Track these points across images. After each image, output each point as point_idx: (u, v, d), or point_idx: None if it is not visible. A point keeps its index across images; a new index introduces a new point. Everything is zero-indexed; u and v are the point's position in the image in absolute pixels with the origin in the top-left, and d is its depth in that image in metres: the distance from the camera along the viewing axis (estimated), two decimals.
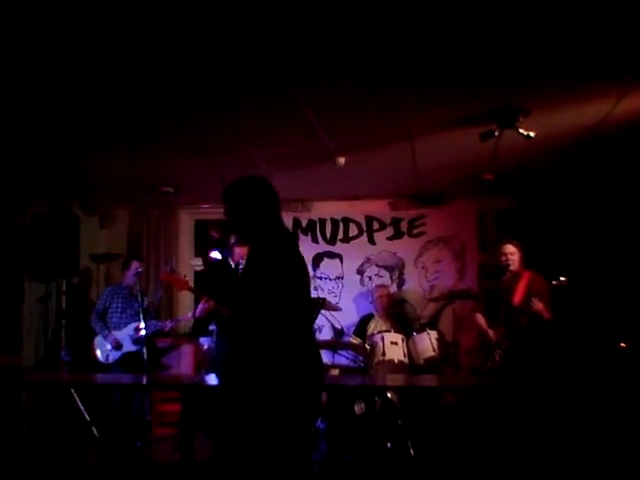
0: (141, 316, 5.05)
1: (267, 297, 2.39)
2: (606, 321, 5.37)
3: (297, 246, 2.69)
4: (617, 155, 4.99)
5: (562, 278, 4.48)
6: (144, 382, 4.21)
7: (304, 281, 2.60)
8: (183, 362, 6.05)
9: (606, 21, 2.92)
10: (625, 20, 2.90)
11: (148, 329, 5.25)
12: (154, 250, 6.75)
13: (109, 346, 5.42)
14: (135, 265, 5.59)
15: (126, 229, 6.94)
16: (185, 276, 4.83)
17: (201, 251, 6.81)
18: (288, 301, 2.42)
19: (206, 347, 5.53)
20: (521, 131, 4.10)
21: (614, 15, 2.86)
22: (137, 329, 5.28)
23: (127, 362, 5.35)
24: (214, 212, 6.75)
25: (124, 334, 5.44)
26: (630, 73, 3.51)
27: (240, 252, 5.03)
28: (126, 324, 5.47)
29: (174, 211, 6.87)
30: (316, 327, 6.18)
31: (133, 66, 3.40)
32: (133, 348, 5.38)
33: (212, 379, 3.81)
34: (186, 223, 7.03)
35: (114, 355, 5.42)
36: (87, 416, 4.62)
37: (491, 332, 4.69)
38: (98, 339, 5.50)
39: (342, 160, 5.03)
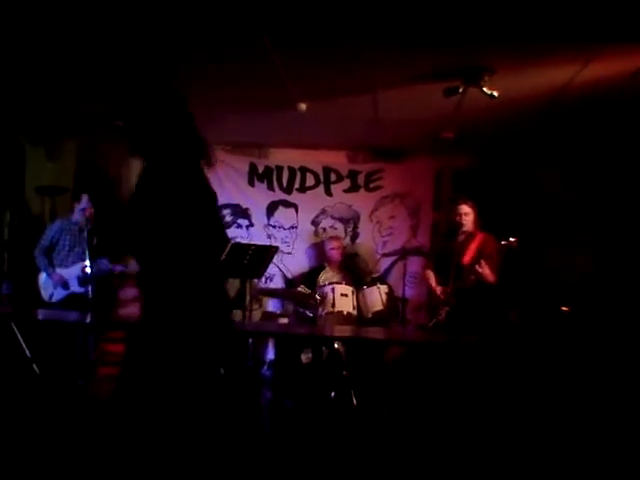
0: (87, 255, 4.88)
1: (153, 226, 2.22)
2: (550, 285, 5.53)
3: (200, 172, 2.48)
4: (577, 121, 5.05)
5: (512, 239, 4.53)
6: (87, 321, 4.11)
7: (203, 209, 2.38)
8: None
9: None
10: None
11: (98, 269, 5.11)
12: (103, 184, 6.50)
13: (53, 284, 5.23)
14: (86, 199, 5.33)
15: (74, 162, 6.65)
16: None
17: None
18: (176, 232, 2.23)
19: None
20: (485, 90, 4.08)
21: None
22: (84, 269, 5.09)
23: (72, 303, 5.11)
24: None
25: (71, 273, 5.21)
26: (596, 39, 3.51)
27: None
28: (73, 263, 5.22)
29: (124, 145, 6.59)
30: (267, 275, 6.18)
31: None
32: (80, 289, 5.17)
33: None
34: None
35: (58, 294, 5.22)
36: (28, 352, 4.52)
37: (439, 289, 4.77)
38: (42, 276, 5.25)
39: (303, 106, 4.92)
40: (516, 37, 3.56)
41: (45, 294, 5.24)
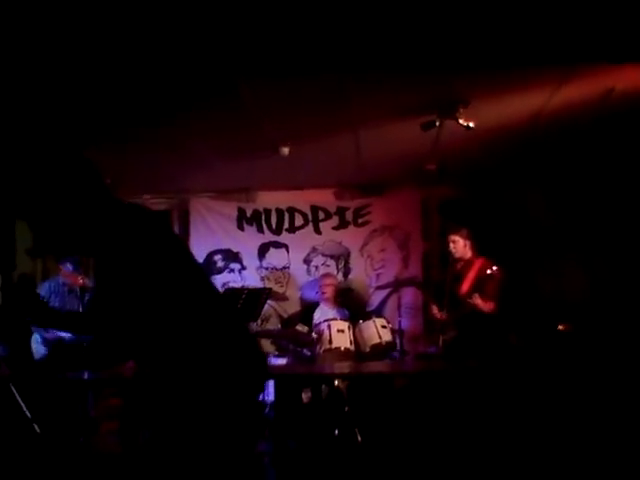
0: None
1: (156, 307, 1.84)
2: (545, 305, 5.56)
3: (160, 225, 2.02)
4: (555, 143, 5.15)
5: (494, 268, 4.60)
6: (85, 377, 4.10)
7: (189, 266, 2.00)
8: None
9: (539, 11, 3.01)
10: (558, 11, 2.99)
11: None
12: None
13: (45, 346, 5.12)
14: (68, 265, 5.30)
15: None
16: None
17: None
18: (183, 302, 1.88)
19: None
20: (461, 121, 4.18)
21: (547, 5, 2.95)
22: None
23: (60, 351, 5.04)
24: (156, 203, 6.63)
25: (63, 336, 5.05)
26: (566, 62, 3.60)
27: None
28: None
29: None
30: (263, 317, 6.18)
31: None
32: (70, 337, 5.00)
33: None
34: None
35: (46, 350, 5.13)
36: (28, 413, 4.48)
37: (442, 316, 4.79)
38: (35, 338, 5.19)
39: (286, 150, 5.03)
40: (487, 67, 3.66)
41: (37, 355, 5.21)
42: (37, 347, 5.22)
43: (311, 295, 6.35)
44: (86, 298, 5.09)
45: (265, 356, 2.16)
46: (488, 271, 4.58)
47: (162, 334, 1.88)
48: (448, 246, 4.89)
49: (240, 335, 2.07)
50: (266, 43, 3.31)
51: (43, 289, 5.33)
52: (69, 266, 5.15)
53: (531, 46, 3.39)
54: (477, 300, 4.56)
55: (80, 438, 4.60)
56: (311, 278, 6.57)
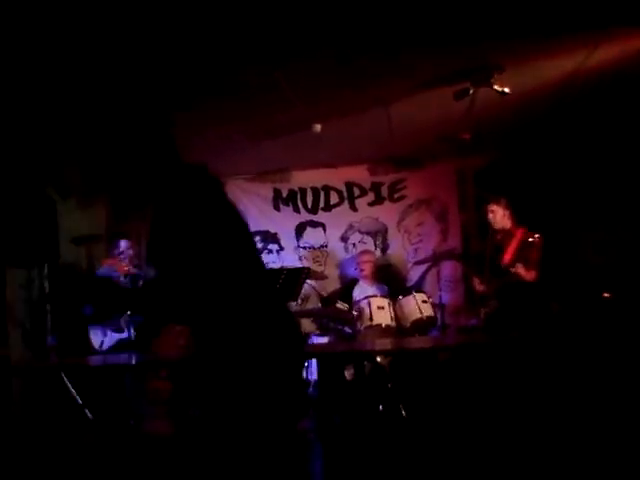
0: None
1: (200, 270, 1.85)
2: (589, 273, 5.44)
3: (223, 191, 2.07)
4: (591, 106, 5.00)
5: (536, 235, 4.52)
6: (133, 362, 4.20)
7: (243, 236, 2.03)
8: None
9: None
10: None
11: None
12: (135, 232, 6.67)
13: (104, 332, 5.25)
14: (124, 244, 5.39)
15: (106, 209, 6.83)
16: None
17: None
18: (230, 268, 1.89)
19: None
20: (496, 88, 4.09)
21: None
22: (132, 314, 5.15)
23: (122, 348, 5.14)
24: None
25: (120, 321, 5.24)
26: (599, 25, 3.51)
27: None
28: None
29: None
30: (303, 296, 6.22)
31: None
32: (129, 335, 5.17)
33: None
34: None
35: (108, 342, 5.26)
36: (79, 399, 4.62)
37: (482, 288, 4.74)
38: (92, 326, 5.32)
39: (318, 127, 5.00)
40: (521, 32, 3.58)
41: (95, 343, 5.32)
42: (94, 334, 5.33)
43: (350, 272, 6.35)
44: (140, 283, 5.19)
45: (303, 336, 2.14)
46: (530, 239, 4.49)
47: (209, 296, 1.89)
48: (487, 216, 4.81)
49: (280, 312, 2.08)
50: (298, 24, 3.28)
51: (100, 274, 5.39)
52: (123, 244, 5.26)
53: (564, 10, 3.29)
54: (520, 269, 4.48)
55: (130, 421, 4.73)
56: (349, 255, 6.56)
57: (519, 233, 4.71)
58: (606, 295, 5.11)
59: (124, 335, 5.25)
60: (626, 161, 5.37)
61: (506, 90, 4.10)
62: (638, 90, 4.55)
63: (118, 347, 5.23)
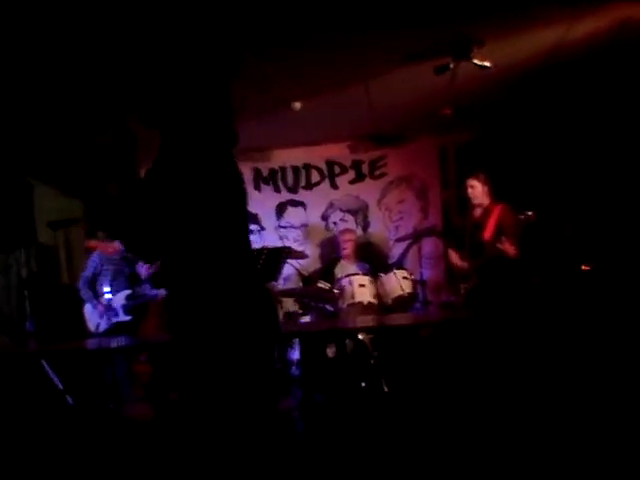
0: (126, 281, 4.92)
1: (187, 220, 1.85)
2: (568, 246, 5.47)
3: (232, 160, 2.05)
4: (573, 81, 4.99)
5: (529, 213, 4.46)
6: (112, 346, 4.15)
7: (233, 198, 2.00)
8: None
9: None
10: None
11: (141, 297, 5.17)
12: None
13: (99, 315, 5.20)
14: (100, 234, 5.33)
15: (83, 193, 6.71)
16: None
17: None
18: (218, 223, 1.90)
19: None
20: (476, 62, 4.07)
21: None
22: (129, 297, 5.11)
23: (118, 331, 5.09)
24: None
25: (116, 302, 5.19)
26: None
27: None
28: (117, 291, 5.19)
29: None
30: (284, 276, 6.19)
31: None
32: (125, 318, 5.17)
33: None
34: None
35: (104, 324, 5.20)
36: (60, 385, 4.58)
37: (462, 264, 4.74)
38: (88, 308, 5.26)
39: (298, 105, 4.94)
40: (501, 5, 3.55)
41: (92, 325, 5.24)
42: (91, 317, 5.27)
43: (331, 251, 6.33)
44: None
45: (276, 316, 2.13)
46: (522, 217, 4.44)
47: (188, 262, 1.89)
48: (466, 192, 4.79)
49: (256, 291, 2.04)
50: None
51: (95, 258, 5.30)
52: (100, 235, 5.19)
53: None
54: (506, 244, 4.47)
55: (110, 406, 4.70)
56: (330, 234, 6.54)
57: (497, 209, 4.71)
58: (584, 267, 5.16)
59: (121, 318, 5.20)
60: (606, 136, 5.38)
61: (487, 64, 4.08)
62: (618, 64, 4.55)
63: (115, 330, 5.17)
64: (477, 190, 4.75)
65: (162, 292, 5.24)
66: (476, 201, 4.75)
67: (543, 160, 5.74)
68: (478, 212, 4.78)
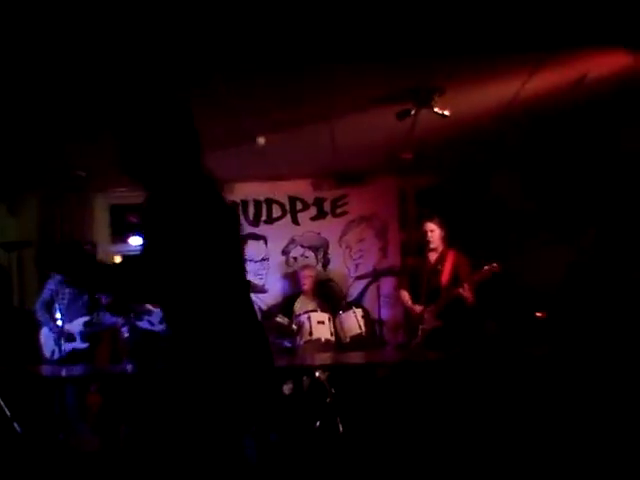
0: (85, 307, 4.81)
1: (177, 256, 1.84)
2: (522, 293, 5.61)
3: (217, 192, 2.07)
4: (530, 130, 5.18)
5: (494, 264, 4.53)
6: (62, 374, 4.05)
7: (227, 232, 2.02)
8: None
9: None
10: None
11: (99, 324, 5.04)
12: (68, 236, 6.47)
13: (54, 340, 5.00)
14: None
15: (37, 215, 6.60)
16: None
17: (118, 236, 6.63)
18: (205, 258, 1.90)
19: (126, 335, 5.30)
20: (436, 110, 4.18)
21: None
22: (87, 324, 4.97)
23: (74, 359, 4.92)
24: (130, 196, 6.55)
25: (73, 328, 5.03)
26: (539, 49, 3.62)
27: None
28: (74, 317, 5.04)
29: (88, 196, 6.60)
30: None
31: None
32: (83, 345, 5.02)
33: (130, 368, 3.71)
34: (101, 208, 6.77)
35: (59, 352, 4.99)
36: (8, 412, 4.41)
37: (417, 308, 4.77)
38: (44, 331, 5.08)
39: (262, 140, 4.99)
40: (461, 55, 3.66)
41: (47, 351, 5.06)
42: (46, 341, 5.10)
43: (290, 287, 6.33)
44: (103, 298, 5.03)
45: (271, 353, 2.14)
46: (487, 267, 4.52)
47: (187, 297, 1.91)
48: (426, 235, 4.85)
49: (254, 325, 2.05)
50: (241, 36, 3.27)
51: (54, 280, 5.13)
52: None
53: (505, 34, 3.40)
54: (467, 291, 4.53)
55: (59, 436, 4.55)
56: (290, 269, 6.55)
57: (451, 254, 4.79)
58: (538, 314, 5.29)
59: (78, 345, 5.04)
60: (560, 187, 5.60)
61: (446, 113, 4.20)
62: (577, 114, 4.73)
63: (71, 357, 4.99)
64: (435, 234, 4.83)
65: (120, 320, 5.17)
66: (433, 245, 4.82)
67: (499, 206, 5.92)
68: (433, 256, 4.84)
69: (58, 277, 5.11)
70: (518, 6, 3.10)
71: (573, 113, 4.72)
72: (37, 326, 5.13)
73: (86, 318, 4.99)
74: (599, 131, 5.03)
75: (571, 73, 3.99)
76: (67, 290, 5.10)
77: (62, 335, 5.00)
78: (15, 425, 4.34)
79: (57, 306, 5.09)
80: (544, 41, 3.50)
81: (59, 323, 5.03)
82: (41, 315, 5.08)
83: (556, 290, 5.34)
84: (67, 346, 5.03)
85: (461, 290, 4.54)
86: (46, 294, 5.12)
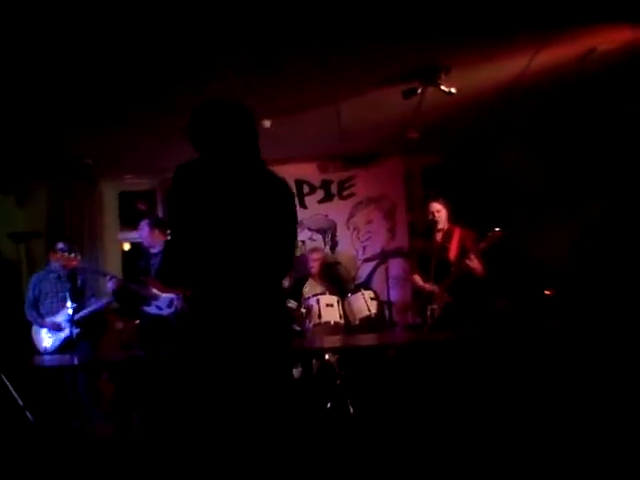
0: (68, 297, 4.83)
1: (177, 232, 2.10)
2: (532, 270, 5.58)
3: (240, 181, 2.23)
4: (537, 106, 5.11)
5: (496, 229, 4.50)
6: (74, 363, 4.08)
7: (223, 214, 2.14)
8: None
9: None
10: None
11: (87, 309, 5.08)
12: (77, 225, 6.50)
13: (47, 333, 5.11)
14: (61, 245, 5.26)
15: (45, 205, 6.62)
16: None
17: (127, 224, 6.62)
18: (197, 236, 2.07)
19: (137, 322, 5.34)
20: (443, 88, 4.14)
21: None
22: (72, 311, 5.01)
23: (68, 348, 4.97)
24: (138, 183, 6.56)
25: (61, 319, 5.10)
26: (543, 27, 3.58)
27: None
28: (60, 309, 5.13)
29: (96, 184, 6.61)
30: None
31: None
32: (75, 331, 4.94)
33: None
34: (110, 195, 6.78)
35: (54, 343, 5.10)
36: (20, 401, 4.46)
37: (427, 286, 4.73)
38: (35, 328, 5.19)
39: (268, 123, 4.95)
40: (468, 33, 3.62)
41: (41, 345, 5.15)
42: (37, 337, 5.18)
43: (299, 270, 6.32)
44: (79, 281, 5.05)
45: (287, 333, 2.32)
46: (488, 234, 4.50)
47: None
48: (432, 216, 4.81)
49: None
50: (246, 19, 3.24)
51: (34, 280, 5.32)
52: (60, 245, 5.09)
53: (511, 10, 3.35)
54: (475, 262, 4.51)
55: (73, 423, 4.60)
56: (298, 253, 6.53)
57: (457, 231, 4.76)
58: (547, 292, 5.26)
59: (68, 333, 5.09)
60: (567, 161, 5.53)
61: (453, 90, 4.16)
62: (584, 89, 4.67)
63: (66, 346, 5.06)
64: (442, 214, 4.79)
65: (103, 301, 5.29)
66: (440, 225, 4.78)
67: (508, 182, 5.87)
68: (439, 235, 4.80)
69: (36, 277, 5.32)
70: None
71: (579, 87, 4.65)
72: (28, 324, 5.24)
73: (71, 306, 5.01)
74: (605, 105, 4.96)
75: (579, 48, 3.94)
76: (47, 285, 5.22)
77: (51, 327, 5.10)
78: (28, 414, 4.40)
79: (42, 302, 5.22)
80: (549, 18, 3.45)
81: (46, 318, 5.15)
82: (29, 314, 5.20)
83: (564, 267, 5.30)
84: (58, 337, 5.11)
85: (467, 261, 4.51)
86: (30, 294, 5.25)
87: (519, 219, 5.79)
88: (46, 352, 5.11)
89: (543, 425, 3.59)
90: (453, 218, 4.84)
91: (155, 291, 4.85)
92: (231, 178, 2.17)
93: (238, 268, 2.05)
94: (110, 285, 5.00)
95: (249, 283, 2.07)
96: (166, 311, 4.82)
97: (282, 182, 2.33)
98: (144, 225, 5.07)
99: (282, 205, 2.29)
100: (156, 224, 5.01)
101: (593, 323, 4.05)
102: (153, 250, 5.00)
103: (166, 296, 4.82)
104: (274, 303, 2.15)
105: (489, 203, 5.70)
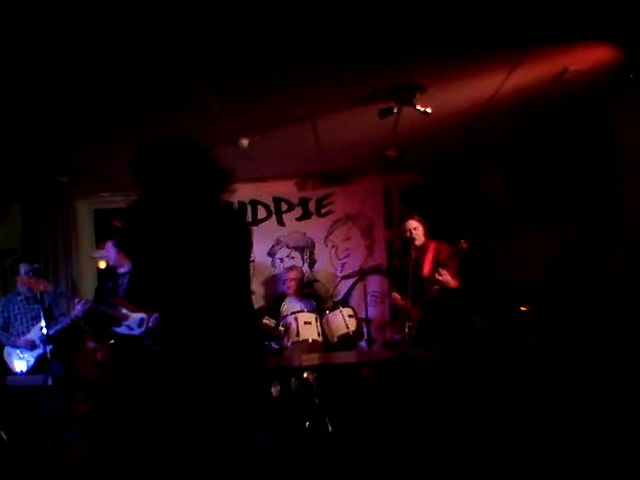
0: (42, 316, 4.75)
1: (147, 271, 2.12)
2: (507, 287, 5.64)
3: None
4: (511, 126, 5.19)
5: (462, 241, 4.58)
6: (48, 382, 4.00)
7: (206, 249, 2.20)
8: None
9: None
10: None
11: (58, 326, 5.02)
12: (51, 243, 6.43)
13: (20, 354, 5.02)
14: (24, 268, 5.16)
15: (20, 223, 6.53)
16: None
17: (103, 242, 6.55)
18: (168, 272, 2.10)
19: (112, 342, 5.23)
20: (418, 107, 4.18)
21: None
22: (43, 328, 4.94)
23: (44, 366, 4.81)
24: (114, 200, 6.50)
25: (32, 337, 5.04)
26: (518, 45, 3.62)
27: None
28: (29, 328, 5.09)
29: (71, 201, 6.55)
30: None
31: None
32: (47, 348, 4.97)
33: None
34: (84, 213, 6.72)
35: (28, 364, 5.02)
36: None
37: (404, 303, 4.74)
38: (7, 350, 5.09)
39: (245, 142, 4.97)
40: (443, 52, 3.66)
41: (13, 367, 5.05)
42: (9, 359, 5.09)
43: (277, 288, 6.31)
44: (46, 302, 4.96)
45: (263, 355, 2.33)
46: (456, 246, 4.57)
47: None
48: (410, 233, 4.83)
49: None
50: (221, 38, 3.26)
51: (2, 303, 5.23)
52: (23, 268, 5.02)
53: (485, 30, 3.40)
54: (445, 275, 4.55)
55: (47, 443, 4.51)
56: (276, 271, 6.53)
57: (432, 245, 4.81)
58: (523, 308, 5.32)
59: (42, 351, 4.99)
60: (543, 180, 5.62)
61: (428, 110, 4.20)
62: (558, 108, 4.76)
63: (40, 365, 4.95)
64: (419, 231, 4.83)
65: (72, 313, 5.16)
66: (418, 242, 4.81)
67: (483, 201, 5.95)
68: (415, 252, 4.82)
69: (4, 300, 5.27)
70: (497, 1, 3.10)
71: (554, 107, 4.74)
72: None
73: (41, 323, 4.93)
74: (581, 124, 5.06)
75: (552, 68, 4.00)
76: (15, 307, 5.18)
77: (25, 346, 5.04)
78: (2, 434, 4.31)
79: (11, 324, 5.15)
80: (524, 36, 3.50)
81: (20, 338, 5.08)
82: (1, 336, 5.12)
83: (539, 284, 5.37)
84: (31, 356, 5.04)
85: (437, 275, 4.55)
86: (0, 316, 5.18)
87: (495, 237, 5.86)
88: (22, 373, 5.01)
89: (522, 441, 3.60)
90: (430, 235, 4.89)
91: (125, 311, 4.79)
92: (181, 213, 2.21)
93: (201, 294, 2.11)
94: (79, 308, 4.95)
95: (214, 307, 2.13)
96: (137, 331, 4.76)
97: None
98: (110, 246, 5.03)
99: (234, 233, 2.38)
100: None
101: (570, 339, 4.09)
102: (121, 270, 4.96)
103: (136, 316, 4.76)
104: (243, 323, 2.20)
105: (466, 222, 5.76)
